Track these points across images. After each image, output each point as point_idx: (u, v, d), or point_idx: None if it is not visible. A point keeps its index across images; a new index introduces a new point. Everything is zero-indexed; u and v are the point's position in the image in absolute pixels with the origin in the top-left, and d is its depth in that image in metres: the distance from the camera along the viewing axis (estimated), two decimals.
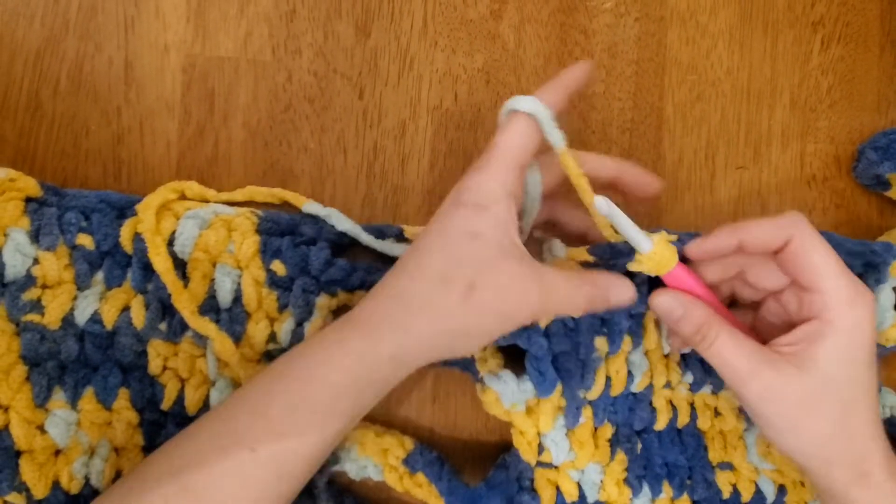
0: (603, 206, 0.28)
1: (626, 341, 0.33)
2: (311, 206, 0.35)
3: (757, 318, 0.32)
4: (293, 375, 0.28)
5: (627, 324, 0.32)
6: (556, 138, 0.29)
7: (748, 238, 0.29)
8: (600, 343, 0.32)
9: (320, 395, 0.27)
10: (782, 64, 0.40)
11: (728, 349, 0.28)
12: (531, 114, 0.29)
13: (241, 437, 0.27)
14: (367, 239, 0.34)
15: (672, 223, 0.38)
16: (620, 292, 0.30)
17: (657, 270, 0.30)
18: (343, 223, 0.34)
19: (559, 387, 0.32)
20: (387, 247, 0.34)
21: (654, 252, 0.29)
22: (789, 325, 0.30)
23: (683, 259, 0.31)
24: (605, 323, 0.32)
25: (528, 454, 0.33)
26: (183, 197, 0.34)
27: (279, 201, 0.36)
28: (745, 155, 0.39)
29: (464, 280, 0.27)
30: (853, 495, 0.28)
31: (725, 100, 0.39)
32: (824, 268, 0.28)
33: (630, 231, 0.29)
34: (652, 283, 0.32)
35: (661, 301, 0.30)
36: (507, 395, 0.32)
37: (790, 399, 0.28)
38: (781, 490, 0.35)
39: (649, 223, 0.38)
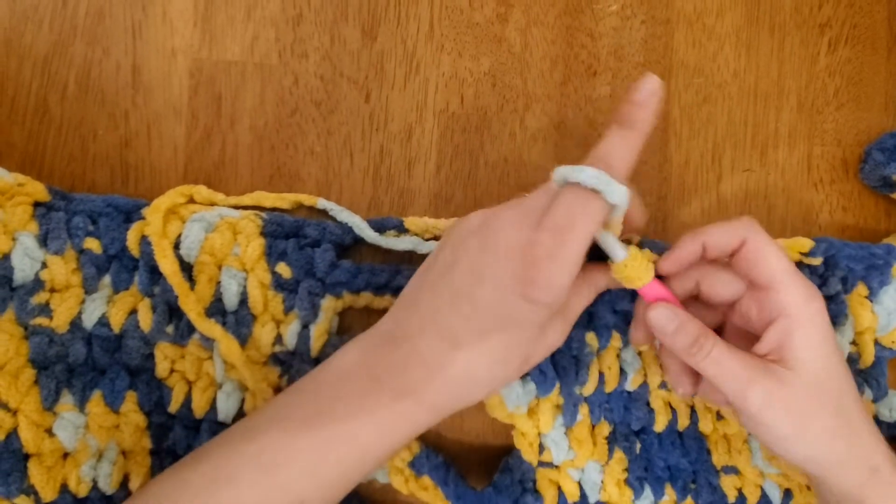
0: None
1: (616, 338, 0.34)
2: (323, 203, 0.35)
3: (724, 330, 0.33)
4: (349, 440, 0.27)
5: (613, 319, 0.33)
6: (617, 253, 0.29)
7: (709, 240, 0.29)
8: (590, 338, 0.33)
9: (377, 455, 0.28)
10: (789, 66, 0.39)
11: (726, 358, 0.28)
12: (611, 203, 0.26)
13: (289, 489, 0.27)
14: (371, 236, 0.34)
15: (678, 226, 0.38)
16: (612, 278, 0.31)
17: (631, 283, 0.29)
18: (352, 219, 0.35)
19: (557, 385, 0.33)
20: (392, 242, 0.34)
21: (627, 262, 0.29)
22: (755, 339, 0.30)
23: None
24: (591, 318, 0.33)
25: (529, 455, 0.34)
26: (191, 201, 0.35)
27: (290, 205, 0.36)
28: (752, 157, 0.39)
29: (522, 358, 0.29)
30: (867, 494, 0.28)
31: (732, 102, 0.39)
32: (778, 265, 0.28)
33: (608, 241, 0.29)
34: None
35: (656, 315, 0.29)
36: (511, 398, 0.33)
37: (791, 402, 0.28)
38: (787, 494, 0.35)
39: (655, 227, 0.38)
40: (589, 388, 0.34)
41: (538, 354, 0.30)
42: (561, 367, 0.33)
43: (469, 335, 0.27)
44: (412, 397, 0.27)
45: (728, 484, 0.35)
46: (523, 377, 0.33)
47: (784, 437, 0.28)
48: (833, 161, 0.39)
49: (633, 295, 0.33)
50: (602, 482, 0.34)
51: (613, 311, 0.33)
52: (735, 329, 0.32)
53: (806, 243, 0.34)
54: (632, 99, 0.28)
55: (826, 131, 0.39)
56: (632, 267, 0.29)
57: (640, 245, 0.33)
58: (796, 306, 0.28)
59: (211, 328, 0.32)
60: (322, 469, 0.27)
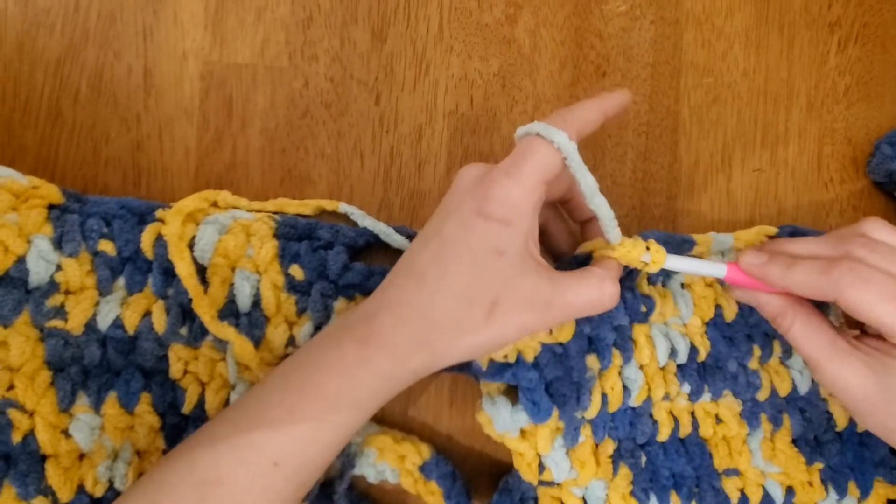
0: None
1: (616, 355, 0.33)
2: (345, 207, 0.36)
3: None
4: (316, 391, 0.28)
5: (613, 336, 0.32)
6: (586, 179, 0.29)
7: (794, 290, 0.30)
8: (591, 361, 0.33)
9: (347, 412, 0.28)
10: (799, 65, 0.39)
11: (801, 338, 0.30)
12: (558, 148, 0.28)
13: (263, 450, 0.27)
14: (398, 241, 0.35)
15: (688, 226, 0.38)
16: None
17: (651, 268, 0.31)
18: (376, 225, 0.35)
19: (555, 412, 0.32)
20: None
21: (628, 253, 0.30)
22: None
23: None
24: (591, 341, 0.32)
25: (528, 475, 0.33)
26: (214, 205, 0.35)
27: (313, 211, 0.36)
28: (762, 157, 0.39)
29: (487, 298, 0.27)
30: None
31: (742, 102, 0.39)
32: (885, 319, 0.28)
33: (698, 267, 0.31)
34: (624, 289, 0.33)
35: (738, 297, 0.32)
36: (499, 422, 0.32)
37: (856, 392, 0.29)
38: (790, 492, 0.35)
39: (666, 227, 0.38)
40: (592, 412, 0.33)
41: (510, 305, 0.27)
42: (560, 395, 0.32)
43: (433, 270, 0.27)
44: (374, 341, 0.27)
45: (730, 486, 0.35)
46: (514, 404, 0.32)
47: (850, 411, 0.30)
48: (843, 160, 0.39)
49: (626, 303, 0.33)
50: (606, 496, 0.34)
51: (613, 328, 0.33)
52: None
53: (771, 230, 0.35)
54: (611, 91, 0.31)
55: (836, 130, 0.39)
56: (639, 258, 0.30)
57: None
58: None
59: (224, 331, 0.32)
60: (290, 426, 0.27)
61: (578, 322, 0.32)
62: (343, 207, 0.36)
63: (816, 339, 0.30)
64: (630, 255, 0.30)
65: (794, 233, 0.35)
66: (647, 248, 0.30)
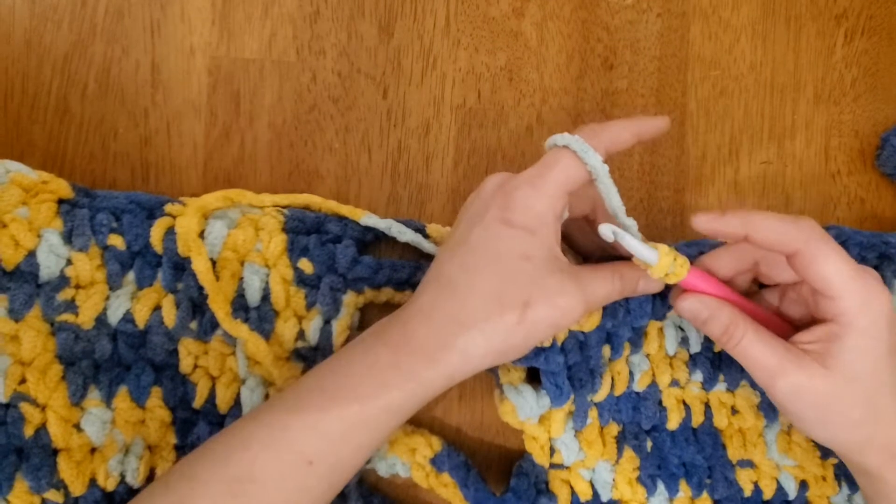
0: (607, 232, 0.29)
1: (626, 347, 0.34)
2: (369, 219, 0.34)
3: (782, 303, 0.32)
4: (349, 394, 0.28)
5: (629, 335, 0.33)
6: (615, 201, 0.29)
7: (755, 235, 0.29)
8: (605, 351, 0.34)
9: (380, 416, 0.28)
10: (805, 58, 0.39)
11: (754, 348, 0.29)
12: (590, 170, 0.29)
13: (297, 448, 0.27)
14: (429, 247, 0.34)
15: None
16: (648, 283, 0.31)
17: (669, 281, 0.30)
18: (406, 234, 0.34)
19: (572, 396, 0.33)
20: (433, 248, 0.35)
21: (660, 265, 0.29)
22: (811, 315, 0.30)
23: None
24: (609, 335, 0.33)
25: (540, 458, 0.34)
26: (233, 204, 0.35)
27: (331, 213, 0.35)
28: (769, 150, 0.39)
29: (519, 300, 0.28)
30: (886, 475, 0.29)
31: (749, 95, 0.39)
32: (835, 277, 0.28)
33: (638, 249, 0.29)
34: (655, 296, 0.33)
35: (686, 305, 0.30)
36: (524, 410, 0.33)
37: (817, 395, 0.28)
38: (803, 485, 0.35)
39: (673, 220, 0.38)
40: (601, 396, 0.34)
41: (542, 304, 0.28)
42: (577, 380, 0.33)
43: (463, 275, 0.28)
44: (407, 346, 0.28)
45: (744, 478, 0.35)
46: (537, 389, 0.33)
47: (810, 423, 0.29)
48: (850, 152, 0.39)
49: (653, 308, 0.33)
50: (613, 480, 0.34)
51: (632, 328, 0.33)
52: (792, 300, 0.32)
53: None
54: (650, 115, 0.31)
55: (843, 122, 0.39)
56: (665, 268, 0.29)
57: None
58: (851, 314, 0.28)
59: (238, 328, 0.32)
60: (324, 425, 0.27)
61: (603, 316, 0.33)
62: (365, 220, 0.34)
63: (769, 348, 0.28)
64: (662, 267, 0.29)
65: (840, 234, 0.34)
66: (675, 259, 0.30)
